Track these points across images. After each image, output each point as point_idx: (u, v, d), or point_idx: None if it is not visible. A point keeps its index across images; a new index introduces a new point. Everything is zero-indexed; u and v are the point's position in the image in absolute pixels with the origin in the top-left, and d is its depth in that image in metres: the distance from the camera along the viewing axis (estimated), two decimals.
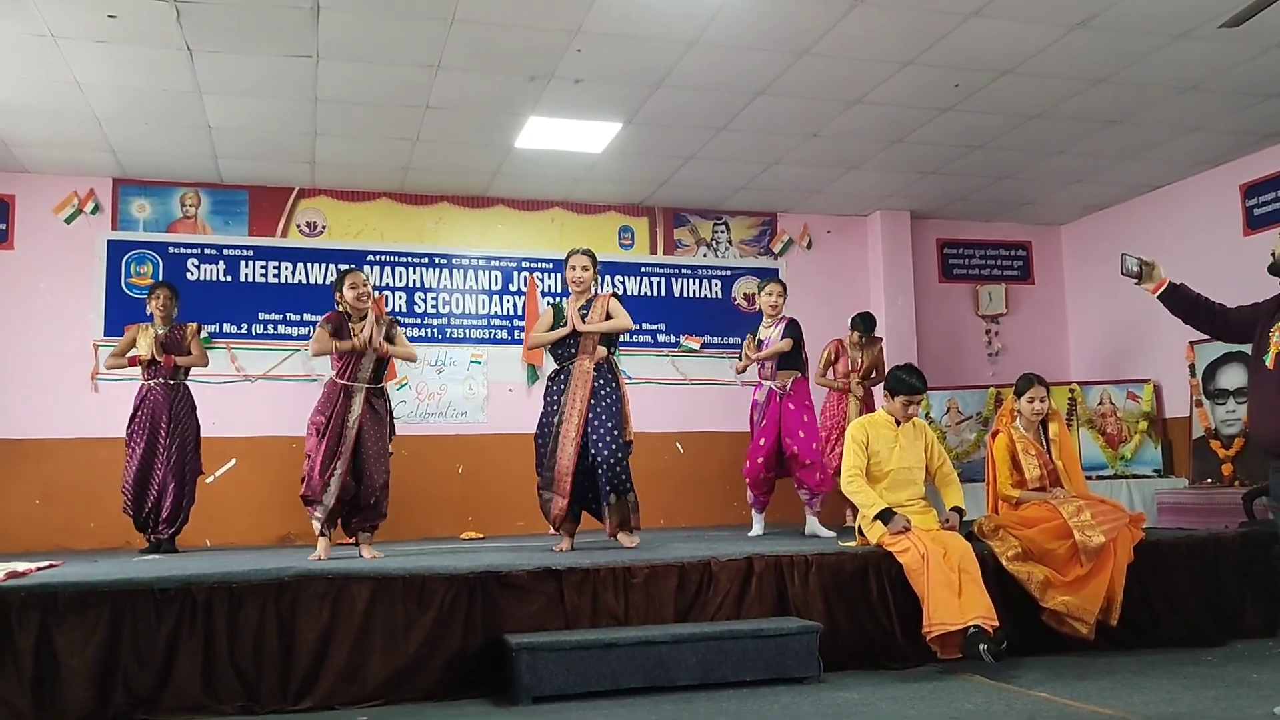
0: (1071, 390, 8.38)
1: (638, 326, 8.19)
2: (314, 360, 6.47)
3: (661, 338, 8.50)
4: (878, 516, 4.68)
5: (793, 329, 6.24)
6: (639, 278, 8.59)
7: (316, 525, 5.13)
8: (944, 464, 4.94)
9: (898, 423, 4.90)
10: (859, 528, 4.90)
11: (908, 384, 4.85)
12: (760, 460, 6.12)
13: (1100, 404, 8.30)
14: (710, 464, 8.09)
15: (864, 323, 7.05)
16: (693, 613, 4.40)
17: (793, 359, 6.24)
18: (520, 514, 7.76)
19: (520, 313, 8.28)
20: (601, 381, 5.23)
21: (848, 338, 7.08)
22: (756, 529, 6.32)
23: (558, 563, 4.37)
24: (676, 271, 8.68)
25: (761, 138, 7.16)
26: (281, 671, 3.90)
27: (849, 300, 8.80)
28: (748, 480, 6.24)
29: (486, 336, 8.22)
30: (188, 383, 6.35)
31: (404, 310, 7.99)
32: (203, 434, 6.50)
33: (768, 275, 8.64)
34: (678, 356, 8.49)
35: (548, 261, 8.36)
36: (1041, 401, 5.04)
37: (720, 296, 8.76)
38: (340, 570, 4.11)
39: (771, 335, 6.26)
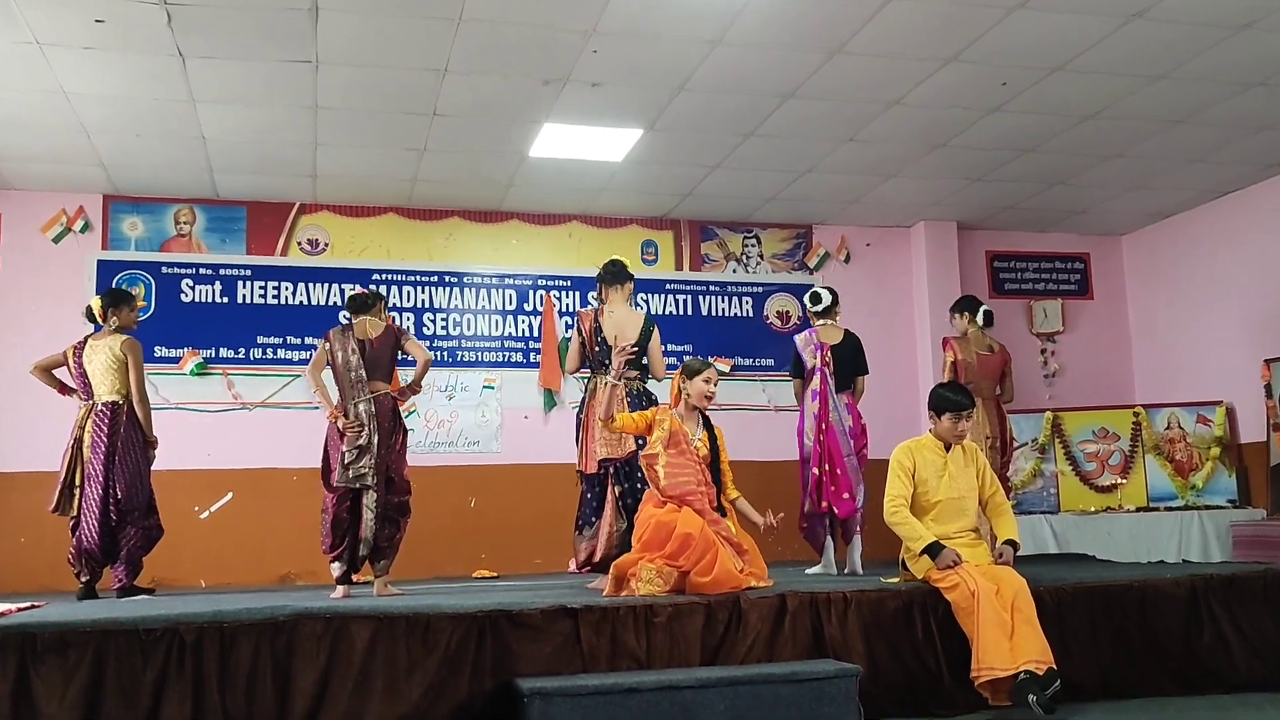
0: (1136, 414, 8.35)
1: (663, 348, 8.27)
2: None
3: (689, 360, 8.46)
4: (924, 550, 4.64)
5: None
6: (663, 295, 8.61)
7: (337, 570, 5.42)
8: (996, 492, 4.91)
9: (947, 446, 4.88)
10: (903, 561, 4.87)
11: (953, 400, 4.83)
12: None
13: (1168, 429, 8.27)
14: (746, 492, 8.03)
15: (960, 306, 6.93)
16: (721, 654, 4.36)
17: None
18: (537, 550, 7.79)
19: (536, 334, 8.29)
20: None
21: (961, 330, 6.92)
22: (829, 567, 6.29)
23: (573, 600, 4.36)
24: (704, 289, 8.71)
25: (793, 144, 7.17)
26: (276, 716, 3.86)
27: (892, 318, 8.85)
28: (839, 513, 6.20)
29: (500, 360, 8.25)
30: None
31: (412, 332, 8.00)
32: (198, 465, 6.50)
33: (802, 292, 8.65)
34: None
35: (565, 279, 8.42)
36: (707, 382, 5.05)
37: (751, 315, 8.79)
38: (339, 609, 4.05)
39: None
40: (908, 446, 4.88)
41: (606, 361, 5.51)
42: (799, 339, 6.43)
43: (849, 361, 6.34)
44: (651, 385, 5.56)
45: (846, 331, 6.44)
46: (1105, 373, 9.18)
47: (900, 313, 8.95)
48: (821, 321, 6.41)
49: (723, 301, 8.73)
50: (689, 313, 8.67)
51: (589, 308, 5.91)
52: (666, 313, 8.57)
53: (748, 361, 8.70)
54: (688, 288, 8.67)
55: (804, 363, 6.33)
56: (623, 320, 5.61)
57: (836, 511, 6.07)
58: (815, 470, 6.08)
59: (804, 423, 6.28)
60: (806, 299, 6.54)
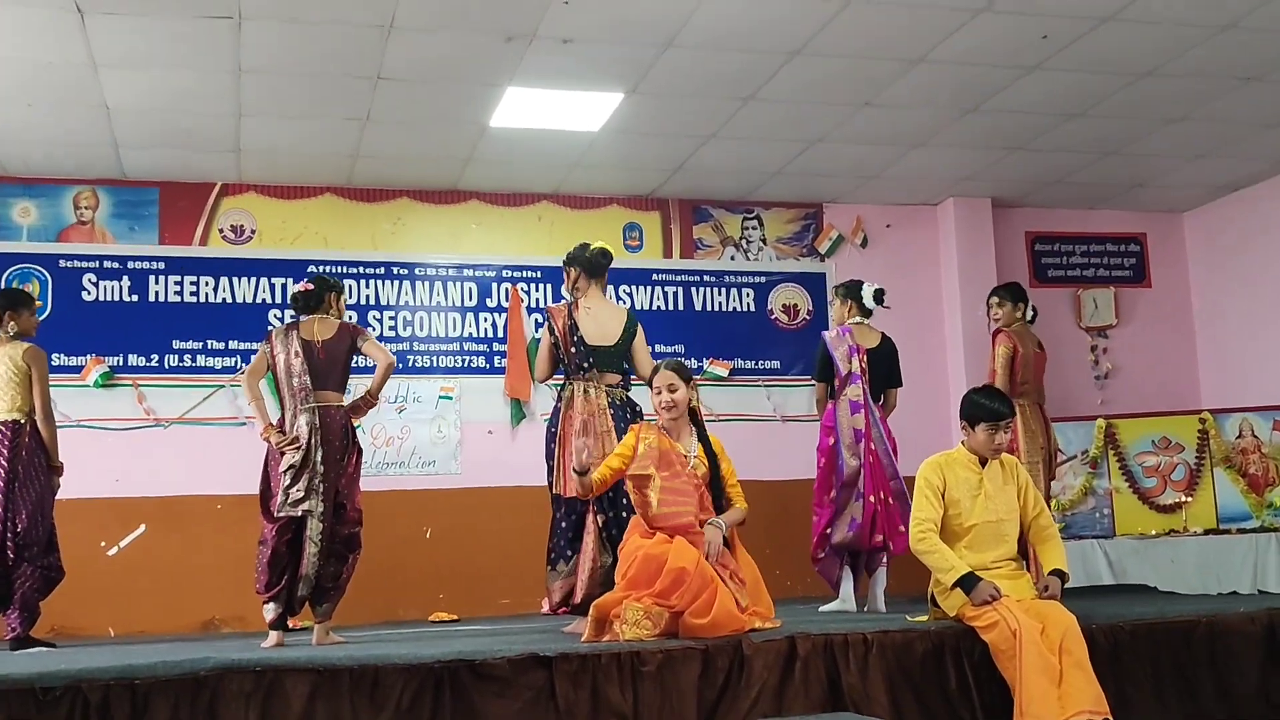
0: (1202, 420, 8.34)
1: (651, 348, 8.30)
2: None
3: (686, 361, 8.24)
4: (957, 583, 4.65)
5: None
6: (650, 287, 8.60)
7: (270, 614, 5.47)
8: (1041, 514, 4.95)
9: (982, 462, 4.91)
10: (932, 596, 4.91)
11: (989, 408, 4.85)
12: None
13: (1239, 437, 8.30)
14: (752, 518, 8.02)
15: (1012, 292, 7.04)
16: (720, 709, 4.35)
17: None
18: (505, 589, 7.82)
19: (501, 334, 8.29)
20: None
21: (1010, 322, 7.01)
22: (847, 604, 6.36)
23: (547, 647, 4.34)
24: (698, 279, 8.73)
25: (800, 109, 7.18)
26: None
27: (917, 313, 8.81)
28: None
29: (459, 365, 8.24)
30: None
31: None
32: (105, 493, 6.43)
33: (812, 282, 8.65)
34: (702, 385, 8.36)
35: (534, 269, 8.41)
36: (671, 391, 5.08)
37: (753, 309, 8.80)
38: (272, 661, 4.00)
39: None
40: (936, 462, 4.92)
41: (585, 365, 5.57)
42: (829, 337, 6.48)
43: (883, 370, 6.43)
44: (641, 392, 5.58)
45: (884, 335, 6.53)
46: (1166, 373, 9.24)
47: (926, 306, 8.94)
48: (857, 320, 6.50)
49: (719, 294, 8.75)
50: (679, 307, 8.67)
51: (561, 302, 5.94)
52: (654, 308, 8.56)
53: (749, 364, 8.70)
54: (678, 278, 8.69)
55: (834, 366, 6.38)
56: (602, 317, 5.67)
57: (891, 547, 6.15)
58: (871, 499, 6.15)
59: (833, 439, 6.32)
60: (844, 291, 6.58)
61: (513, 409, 8.22)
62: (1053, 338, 8.95)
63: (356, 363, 5.71)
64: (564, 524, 5.55)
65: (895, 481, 6.20)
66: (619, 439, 5.30)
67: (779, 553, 7.76)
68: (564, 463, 5.47)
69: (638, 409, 5.63)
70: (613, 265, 5.83)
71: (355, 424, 5.69)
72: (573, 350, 5.61)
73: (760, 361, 8.74)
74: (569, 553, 5.51)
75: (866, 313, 6.52)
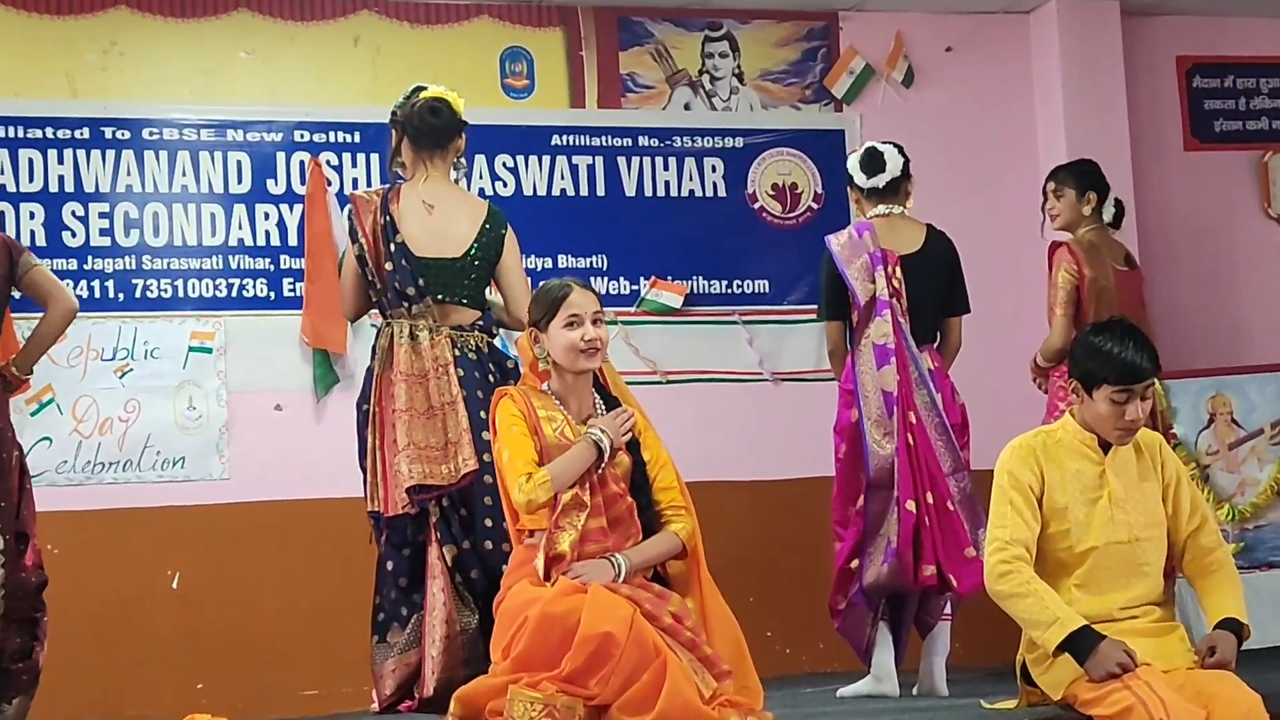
0: None
1: (547, 264, 8.39)
2: None
3: (604, 284, 8.34)
4: (1064, 646, 4.61)
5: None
6: (546, 159, 8.45)
7: None
8: (1204, 529, 4.96)
9: (1104, 444, 4.88)
10: (1023, 668, 4.96)
11: (1119, 361, 4.79)
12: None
13: None
14: (723, 545, 7.57)
15: (1101, 179, 7.16)
16: None
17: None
18: (307, 672, 7.67)
19: (295, 242, 8.07)
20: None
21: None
22: (884, 684, 6.40)
23: None
24: (628, 145, 8.55)
25: None
26: None
27: (995, 194, 8.78)
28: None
29: (223, 295, 8.01)
30: None
31: (40, 245, 7.70)
32: None
33: (822, 145, 8.50)
34: (637, 323, 8.36)
35: (349, 129, 8.19)
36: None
37: (725, 194, 8.63)
38: None
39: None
40: (1027, 446, 4.95)
41: (411, 294, 5.63)
42: (836, 243, 6.55)
43: (934, 289, 6.55)
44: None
45: (930, 230, 6.63)
46: None
47: (1012, 186, 8.78)
48: (882, 209, 6.61)
49: (665, 169, 8.56)
50: (597, 192, 8.49)
51: (375, 189, 6.00)
52: (552, 194, 8.44)
53: (716, 286, 8.54)
54: (595, 143, 8.49)
55: (849, 290, 6.45)
56: (444, 213, 5.78)
57: (955, 585, 6.23)
58: (913, 506, 6.21)
59: (856, 412, 6.44)
60: (852, 165, 6.70)
61: (317, 368, 7.96)
62: (1222, 233, 9.14)
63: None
64: (392, 564, 5.58)
65: (958, 477, 6.30)
66: (476, 416, 5.47)
67: (773, 602, 7.72)
68: (383, 460, 5.56)
69: (510, 366, 5.75)
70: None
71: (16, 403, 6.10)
72: (389, 269, 5.63)
73: (737, 283, 8.58)
74: (404, 611, 5.55)
75: (893, 193, 6.61)
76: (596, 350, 5.01)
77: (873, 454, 6.27)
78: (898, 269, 6.36)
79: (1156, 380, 6.71)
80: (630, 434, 4.92)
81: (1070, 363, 5.00)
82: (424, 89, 5.80)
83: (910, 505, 6.15)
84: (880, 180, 6.53)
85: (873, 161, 6.56)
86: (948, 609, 6.39)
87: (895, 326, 6.28)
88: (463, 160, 5.95)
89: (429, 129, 5.74)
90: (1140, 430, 4.90)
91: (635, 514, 4.97)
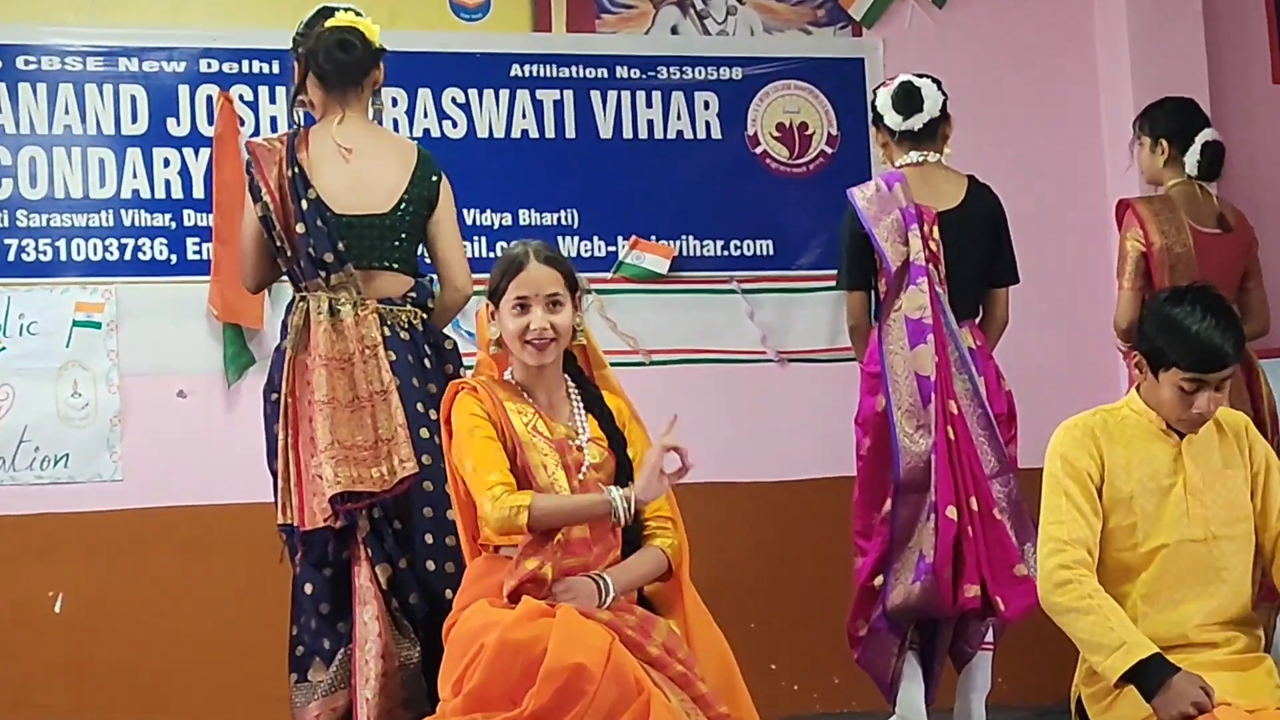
0: None
1: (505, 221, 8.41)
2: None
3: (574, 245, 8.36)
4: (1129, 676, 4.59)
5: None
6: (503, 94, 8.36)
7: None
8: None
9: (1177, 433, 4.94)
10: (1079, 704, 4.96)
11: (1199, 344, 4.76)
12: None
13: None
14: (719, 560, 7.77)
15: (1176, 123, 7.20)
16: None
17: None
18: (220, 714, 7.58)
19: (202, 193, 7.97)
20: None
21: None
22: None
23: None
24: (604, 75, 8.50)
25: None
26: None
27: (1040, 136, 8.81)
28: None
29: (114, 257, 7.90)
30: None
31: None
32: None
33: (837, 78, 8.50)
34: (614, 292, 8.31)
35: (264, 55, 8.05)
36: None
37: (720, 136, 8.59)
38: None
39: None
40: (1084, 425, 4.99)
41: (328, 259, 5.66)
42: (861, 197, 6.57)
43: (976, 253, 6.62)
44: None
45: (971, 182, 6.70)
46: None
47: (1069, 126, 8.83)
48: (915, 156, 6.65)
49: (648, 107, 8.51)
50: (568, 135, 8.42)
51: (279, 135, 6.12)
52: (510, 135, 8.36)
53: (709, 247, 8.51)
54: (562, 75, 8.43)
55: (877, 254, 6.50)
56: (365, 161, 5.83)
57: (1001, 609, 6.24)
58: (951, 512, 6.23)
59: (882, 399, 6.47)
60: (882, 102, 6.73)
61: (228, 346, 7.90)
62: None
63: None
64: (310, 586, 5.64)
65: (1003, 479, 6.38)
66: (412, 408, 5.58)
67: (778, 629, 7.81)
68: (297, 462, 5.63)
69: (449, 347, 5.87)
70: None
71: None
72: (301, 231, 5.65)
73: (735, 244, 8.54)
74: (327, 644, 5.61)
75: (929, 138, 6.66)
76: (545, 344, 5.00)
77: (903, 450, 6.25)
78: (935, 228, 6.37)
79: (1259, 370, 6.80)
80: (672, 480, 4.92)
81: (1138, 335, 4.96)
82: (330, 11, 5.80)
83: (950, 512, 6.15)
84: (917, 122, 6.52)
85: (908, 98, 6.54)
86: (989, 636, 6.39)
87: (933, 298, 6.30)
88: (381, 95, 5.96)
89: (337, 67, 5.76)
90: (1222, 409, 4.88)
91: (618, 527, 4.97)
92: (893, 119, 6.58)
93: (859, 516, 6.48)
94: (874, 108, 6.86)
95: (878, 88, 6.92)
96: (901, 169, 6.53)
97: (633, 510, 4.84)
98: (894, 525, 6.33)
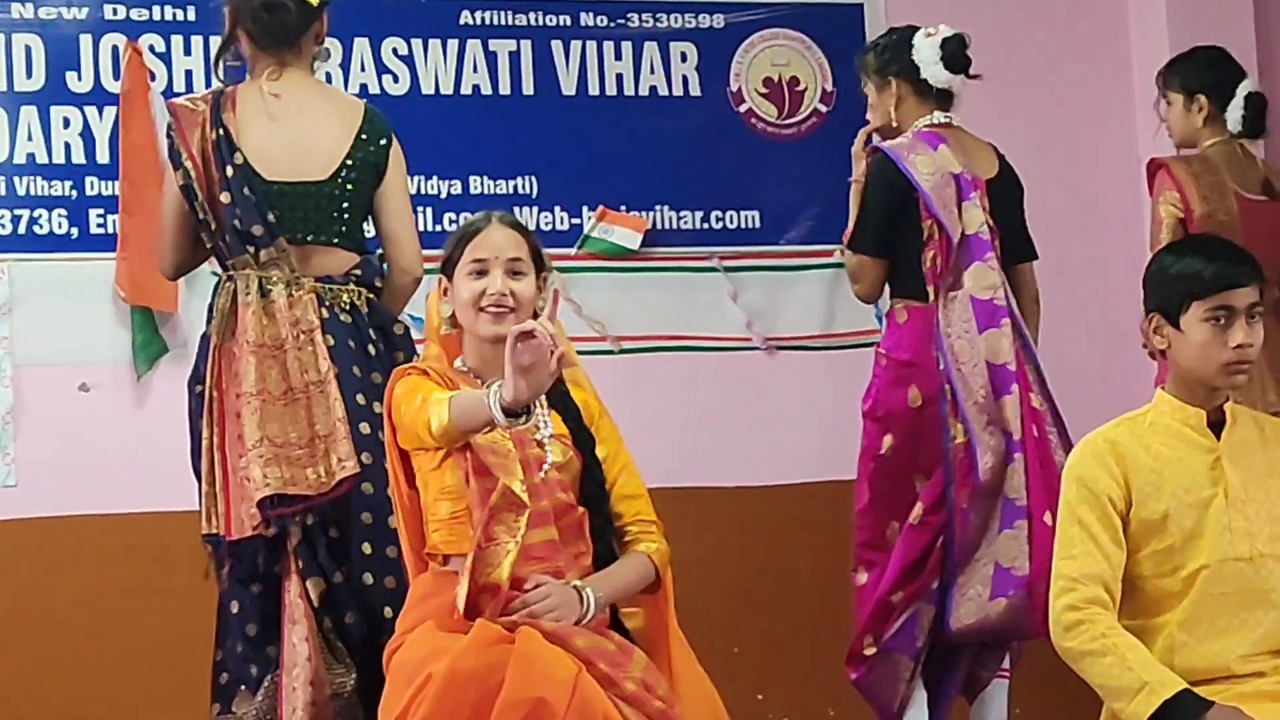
0: None
1: (454, 189, 8.51)
2: None
3: (533, 217, 8.42)
4: (1159, 717, 4.54)
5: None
6: (455, 42, 8.42)
7: None
8: None
9: (1214, 427, 4.90)
10: None
11: (1210, 261, 4.85)
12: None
13: None
14: (697, 574, 7.70)
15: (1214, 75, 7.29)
16: None
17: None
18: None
19: (107, 158, 7.97)
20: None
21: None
22: None
23: None
24: (567, 23, 8.58)
25: None
26: None
27: (1065, 97, 8.96)
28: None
29: (6, 231, 7.93)
30: None
31: None
32: None
33: (829, 24, 8.60)
34: (579, 270, 8.40)
35: (178, 0, 8.10)
36: None
37: (698, 92, 8.67)
38: None
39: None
40: (1105, 440, 4.93)
41: (258, 234, 5.67)
42: (909, 150, 6.61)
43: (1012, 229, 6.72)
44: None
45: (996, 151, 6.83)
46: None
47: (1098, 85, 9.00)
48: (940, 118, 6.73)
49: (617, 60, 8.59)
50: (525, 91, 8.50)
51: (203, 94, 6.11)
52: (462, 93, 8.44)
53: (687, 219, 8.60)
54: (521, 22, 8.49)
55: (935, 219, 6.54)
56: (303, 122, 5.86)
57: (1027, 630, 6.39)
58: (1047, 518, 6.18)
59: (913, 389, 6.53)
60: (928, 51, 6.72)
61: (138, 333, 7.90)
62: None
63: None
64: (237, 605, 5.66)
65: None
66: (353, 401, 5.58)
67: (764, 654, 7.86)
68: (224, 463, 5.62)
69: (399, 333, 5.89)
70: (324, 9, 6.01)
71: None
72: (226, 202, 5.67)
73: (716, 216, 8.63)
74: (254, 670, 5.63)
75: (942, 100, 6.74)
76: (503, 312, 4.96)
77: (983, 446, 6.25)
78: (987, 199, 6.46)
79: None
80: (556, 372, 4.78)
81: (1145, 296, 4.95)
82: None
83: (1047, 518, 6.10)
84: (958, 82, 6.62)
85: (960, 51, 6.59)
86: (1006, 662, 6.44)
87: (1004, 280, 6.44)
88: (326, 47, 6.02)
89: (265, 29, 5.78)
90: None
91: (587, 530, 4.96)
92: (937, 74, 6.61)
93: (867, 526, 6.52)
94: (903, 55, 6.76)
95: (907, 32, 6.84)
96: (931, 130, 6.58)
97: (506, 400, 4.67)
98: (965, 530, 6.33)
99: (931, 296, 6.42)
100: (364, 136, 5.78)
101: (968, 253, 6.40)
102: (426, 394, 4.92)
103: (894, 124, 6.74)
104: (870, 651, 6.35)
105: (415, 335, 6.00)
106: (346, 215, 5.77)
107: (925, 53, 6.62)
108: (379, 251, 5.98)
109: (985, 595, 6.21)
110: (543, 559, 4.81)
